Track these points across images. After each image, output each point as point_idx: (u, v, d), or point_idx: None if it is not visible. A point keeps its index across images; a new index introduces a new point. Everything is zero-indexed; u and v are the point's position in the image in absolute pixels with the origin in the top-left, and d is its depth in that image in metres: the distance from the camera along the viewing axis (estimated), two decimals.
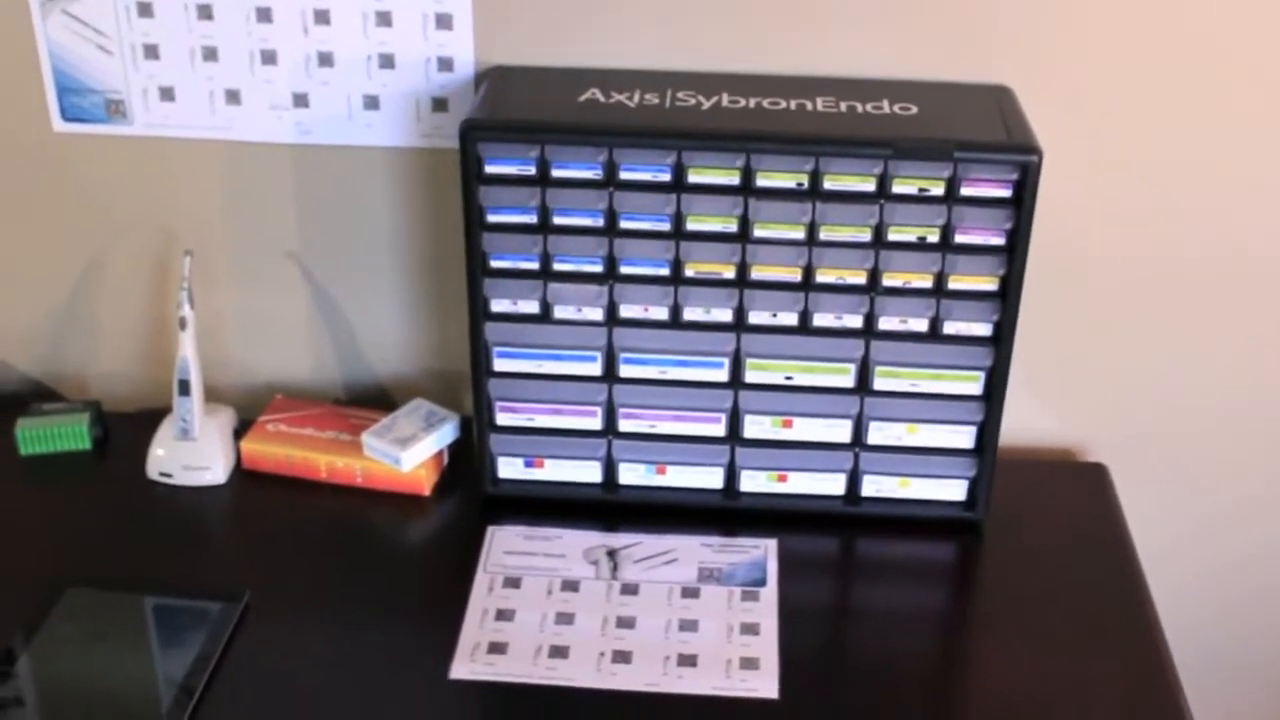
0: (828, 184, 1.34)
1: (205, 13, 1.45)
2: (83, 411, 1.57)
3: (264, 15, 1.45)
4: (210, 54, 1.48)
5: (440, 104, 1.49)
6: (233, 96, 1.50)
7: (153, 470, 1.53)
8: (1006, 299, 1.37)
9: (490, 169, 1.36)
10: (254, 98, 1.50)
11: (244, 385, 1.65)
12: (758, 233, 1.37)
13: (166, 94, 1.50)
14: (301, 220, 1.57)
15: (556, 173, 1.36)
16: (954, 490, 1.47)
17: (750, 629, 1.34)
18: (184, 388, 1.52)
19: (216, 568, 1.42)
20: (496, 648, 1.31)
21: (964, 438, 1.45)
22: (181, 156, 1.54)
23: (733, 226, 1.37)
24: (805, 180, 1.34)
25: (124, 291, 1.62)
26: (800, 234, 1.36)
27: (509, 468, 1.50)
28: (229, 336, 1.64)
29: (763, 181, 1.34)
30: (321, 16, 1.45)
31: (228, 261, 1.60)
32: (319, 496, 1.52)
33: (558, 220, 1.38)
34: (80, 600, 1.34)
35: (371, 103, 1.50)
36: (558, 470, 1.49)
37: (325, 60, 1.48)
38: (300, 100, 1.50)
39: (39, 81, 1.50)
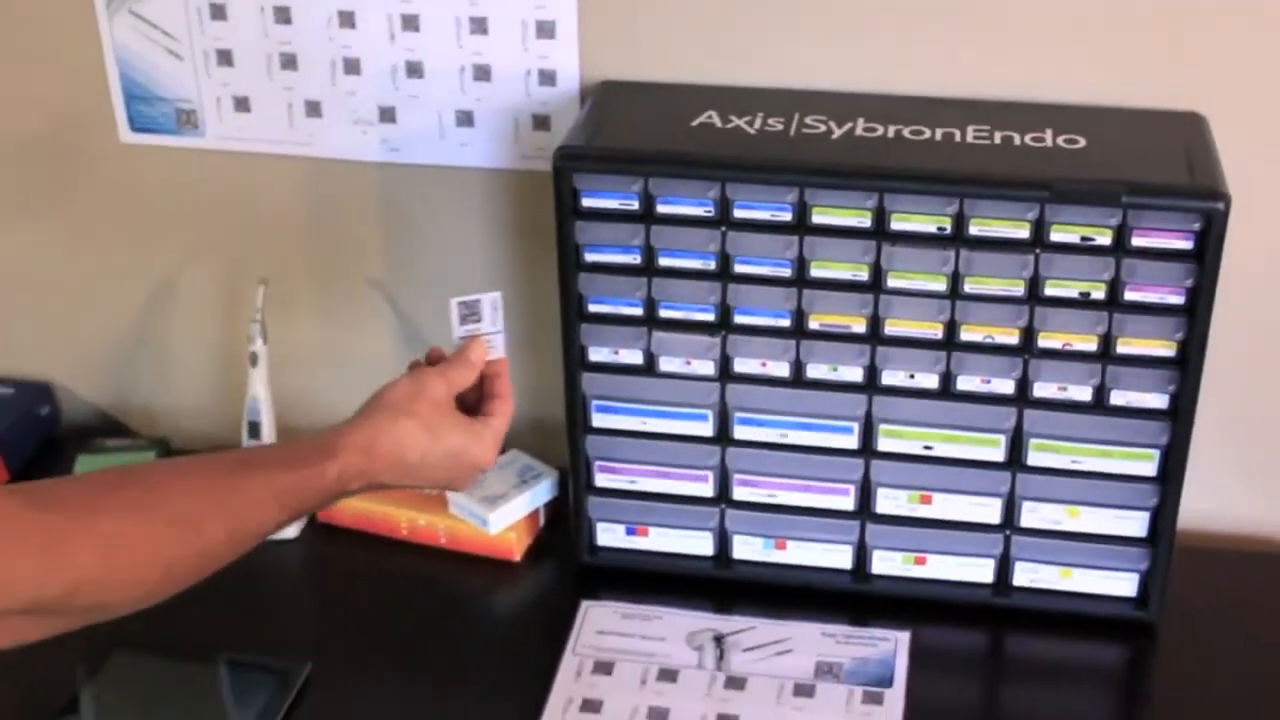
0: (974, 229, 1.37)
1: (283, 16, 1.55)
2: (148, 450, 1.69)
3: (347, 20, 1.54)
4: (289, 61, 1.57)
5: (541, 122, 1.56)
6: (313, 108, 1.59)
7: None
8: (1186, 367, 1.38)
9: (588, 202, 1.42)
10: (336, 110, 1.59)
11: (327, 426, 1.71)
12: (892, 282, 1.40)
13: (241, 104, 1.60)
14: (388, 246, 1.66)
15: (662, 209, 1.41)
16: (1123, 584, 1.49)
17: None
18: (254, 430, 1.62)
19: (279, 633, 1.52)
20: None
21: (1135, 525, 1.46)
22: (257, 173, 1.64)
23: (863, 275, 1.41)
24: (948, 224, 1.37)
25: (195, 319, 1.74)
26: (942, 285, 1.40)
27: (608, 535, 1.56)
28: (309, 371, 1.74)
29: (898, 225, 1.38)
30: (410, 22, 1.53)
31: (307, 290, 1.70)
32: (397, 557, 1.60)
33: (664, 262, 1.44)
34: (126, 666, 1.45)
35: (465, 119, 1.57)
36: (664, 540, 1.55)
37: (414, 70, 1.56)
38: (386, 114, 1.58)
39: (105, 88, 1.61)
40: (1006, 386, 1.43)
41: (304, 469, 1.18)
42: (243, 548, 1.14)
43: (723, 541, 1.54)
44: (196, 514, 1.10)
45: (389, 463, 1.23)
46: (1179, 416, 1.40)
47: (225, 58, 1.58)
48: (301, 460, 1.18)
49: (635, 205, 1.41)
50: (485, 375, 1.33)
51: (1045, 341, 1.40)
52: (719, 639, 1.48)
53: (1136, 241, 1.35)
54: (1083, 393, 1.42)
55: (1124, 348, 1.39)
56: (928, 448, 1.47)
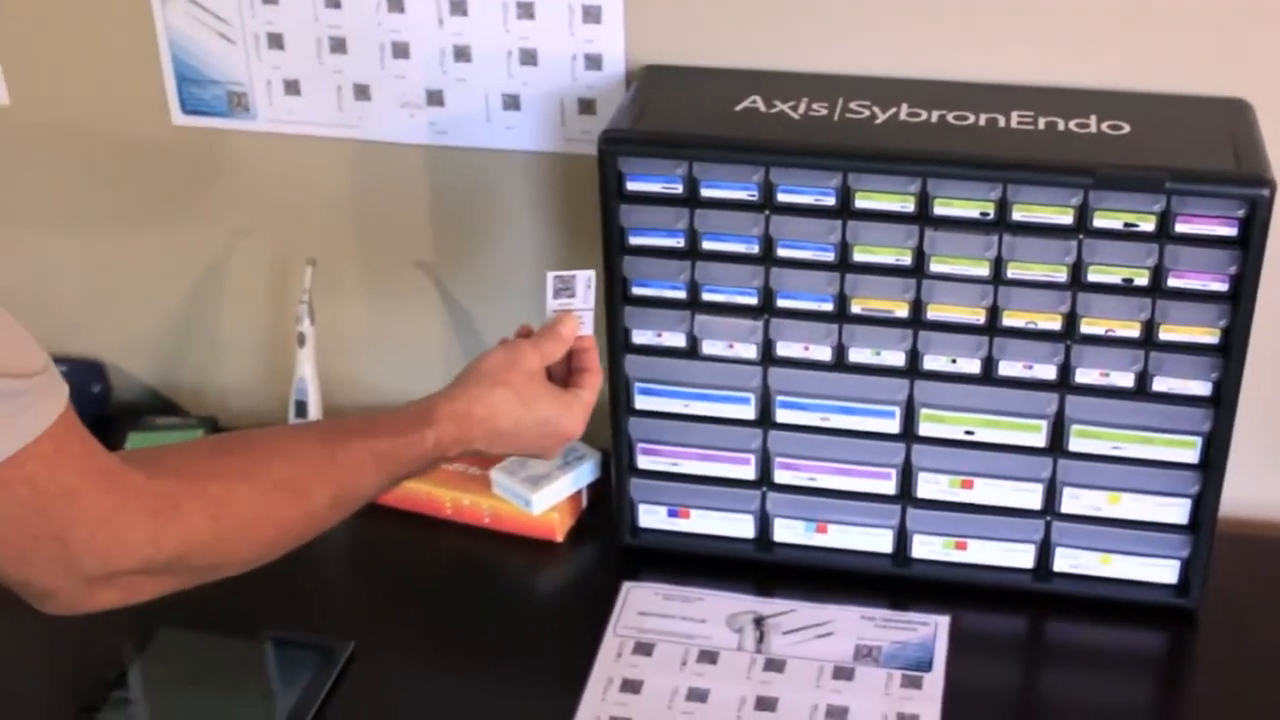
0: (1017, 215, 1.36)
1: (333, 0, 1.55)
2: (196, 428, 1.71)
3: (395, 4, 1.54)
4: (338, 45, 1.58)
5: (587, 105, 1.56)
6: (362, 91, 1.60)
7: None
8: (1230, 354, 1.37)
9: (632, 186, 1.42)
10: (384, 94, 1.59)
11: (372, 406, 1.73)
12: (935, 267, 1.40)
13: (291, 87, 1.61)
14: (435, 228, 1.66)
15: (706, 192, 1.41)
16: (1164, 571, 1.48)
17: None
18: (301, 410, 1.63)
19: (323, 610, 1.53)
20: None
21: (1176, 511, 1.45)
22: (306, 155, 1.65)
23: (906, 259, 1.40)
24: (991, 210, 1.36)
25: (244, 299, 1.75)
26: (984, 270, 1.39)
27: (650, 516, 1.56)
28: (356, 352, 1.75)
29: (941, 210, 1.37)
30: (458, 7, 1.53)
31: (355, 271, 1.70)
32: (442, 536, 1.61)
33: (707, 245, 1.43)
34: (173, 642, 1.46)
35: (511, 102, 1.57)
36: (705, 522, 1.55)
37: (461, 55, 1.56)
38: (434, 98, 1.58)
39: (158, 71, 1.62)
40: (1048, 372, 1.42)
41: (404, 436, 1.21)
42: (346, 511, 1.18)
43: (764, 524, 1.54)
44: (303, 478, 1.13)
45: (484, 430, 1.26)
46: (1222, 403, 1.39)
47: (276, 41, 1.59)
48: (401, 427, 1.21)
49: (679, 189, 1.41)
50: (574, 350, 1.35)
51: (1087, 327, 1.40)
52: (759, 621, 1.48)
53: (1180, 228, 1.34)
54: (1125, 379, 1.41)
55: (1167, 334, 1.38)
56: (969, 432, 1.46)
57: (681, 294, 1.45)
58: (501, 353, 1.31)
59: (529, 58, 1.55)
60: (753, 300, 1.44)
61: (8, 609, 1.49)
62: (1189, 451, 1.43)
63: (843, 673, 1.42)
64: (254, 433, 1.18)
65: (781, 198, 1.40)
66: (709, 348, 1.47)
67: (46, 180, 1.73)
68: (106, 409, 1.81)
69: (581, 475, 1.61)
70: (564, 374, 1.35)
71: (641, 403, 1.51)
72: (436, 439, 1.23)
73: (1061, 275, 1.38)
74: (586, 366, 1.35)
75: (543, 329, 1.34)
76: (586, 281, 1.36)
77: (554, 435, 1.32)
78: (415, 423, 1.22)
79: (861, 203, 1.38)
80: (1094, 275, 1.37)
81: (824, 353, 1.45)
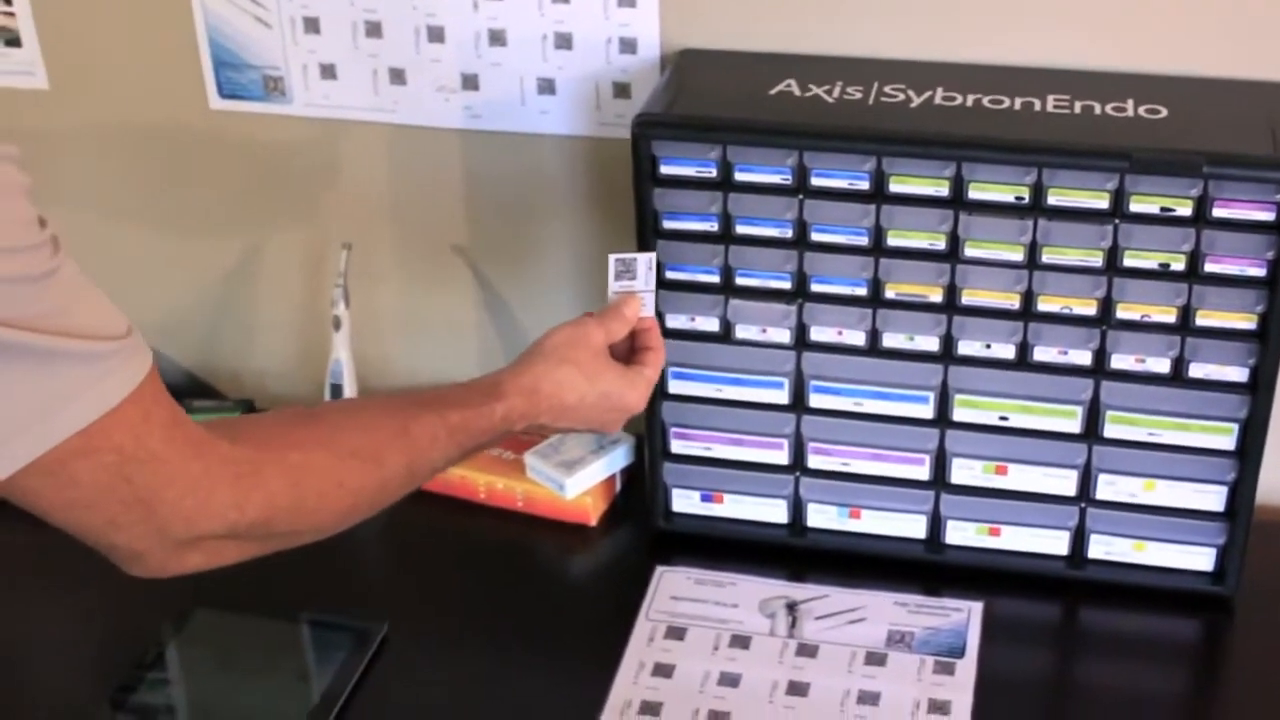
0: (1052, 199, 1.35)
1: None
2: (233, 411, 1.71)
3: None
4: (373, 29, 1.58)
5: (622, 89, 1.56)
6: (397, 76, 1.60)
7: None
8: (1267, 341, 1.36)
9: (666, 170, 1.41)
10: (419, 78, 1.59)
11: (407, 389, 1.74)
12: (969, 252, 1.39)
13: (328, 71, 1.61)
14: (469, 212, 1.66)
15: (740, 176, 1.41)
16: (1199, 559, 1.47)
17: (940, 708, 1.36)
18: (336, 393, 1.63)
19: (358, 593, 1.53)
20: (649, 708, 1.37)
21: (1212, 499, 1.44)
22: (342, 139, 1.65)
23: (940, 244, 1.39)
24: (1026, 194, 1.36)
25: (281, 283, 1.75)
26: (1019, 255, 1.38)
27: (684, 501, 1.56)
28: (390, 336, 1.75)
29: (976, 194, 1.36)
30: None
31: (390, 255, 1.70)
32: (475, 519, 1.61)
33: (741, 229, 1.43)
34: (210, 623, 1.47)
35: (546, 86, 1.57)
36: (738, 507, 1.55)
37: (496, 39, 1.56)
38: (469, 82, 1.59)
39: (195, 55, 1.63)
40: (1084, 358, 1.41)
41: (473, 409, 1.23)
42: (418, 481, 1.20)
43: (797, 509, 1.54)
44: (377, 447, 1.15)
45: (550, 405, 1.29)
46: (1258, 390, 1.38)
47: (312, 25, 1.59)
48: (471, 400, 1.24)
49: (713, 173, 1.41)
50: (636, 330, 1.37)
51: (1123, 313, 1.39)
52: (792, 606, 1.48)
53: (1217, 213, 1.33)
54: (1161, 365, 1.40)
55: (1203, 320, 1.37)
56: (1003, 418, 1.45)
57: (715, 278, 1.45)
58: (567, 330, 1.33)
59: (564, 41, 1.54)
60: (786, 285, 1.44)
61: (44, 590, 1.52)
62: (1225, 438, 1.41)
63: (875, 658, 1.41)
64: (328, 404, 1.20)
65: (815, 182, 1.39)
66: (742, 332, 1.47)
67: (84, 164, 1.74)
68: None
69: (615, 460, 1.61)
70: (625, 353, 1.37)
71: (675, 387, 1.51)
72: (505, 412, 1.25)
73: (1097, 260, 1.37)
74: (651, 344, 1.37)
75: (606, 309, 1.36)
76: (648, 264, 1.37)
77: (617, 409, 1.34)
78: (485, 396, 1.24)
79: (896, 187, 1.38)
80: (1130, 260, 1.36)
81: (858, 338, 1.45)
